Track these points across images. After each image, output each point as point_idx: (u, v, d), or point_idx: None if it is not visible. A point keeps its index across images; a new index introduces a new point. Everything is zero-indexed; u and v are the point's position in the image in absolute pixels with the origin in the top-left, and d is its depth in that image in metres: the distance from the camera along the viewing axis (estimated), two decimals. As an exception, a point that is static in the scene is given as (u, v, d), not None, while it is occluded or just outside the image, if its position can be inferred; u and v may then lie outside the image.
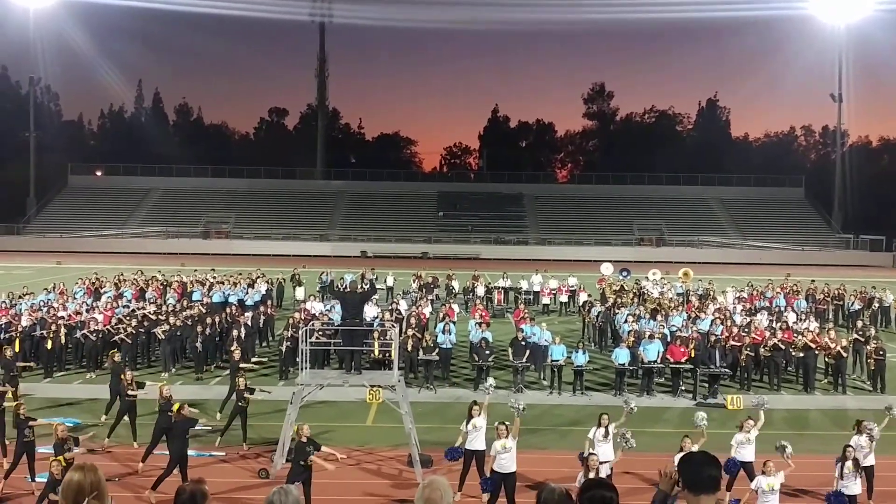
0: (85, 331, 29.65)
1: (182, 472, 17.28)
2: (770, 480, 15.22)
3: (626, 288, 43.89)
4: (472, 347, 29.49)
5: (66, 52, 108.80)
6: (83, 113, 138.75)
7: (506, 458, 16.32)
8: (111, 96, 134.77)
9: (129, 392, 21.18)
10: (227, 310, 33.88)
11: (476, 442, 17.52)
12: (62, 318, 30.82)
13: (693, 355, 27.38)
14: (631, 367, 27.59)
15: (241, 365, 24.20)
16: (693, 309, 36.09)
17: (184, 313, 32.43)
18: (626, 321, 32.04)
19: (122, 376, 21.68)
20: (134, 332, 29.86)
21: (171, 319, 30.61)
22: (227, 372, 28.67)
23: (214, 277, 44.56)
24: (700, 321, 32.83)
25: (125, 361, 26.42)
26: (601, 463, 15.88)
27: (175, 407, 18.13)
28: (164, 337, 29.72)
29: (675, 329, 30.97)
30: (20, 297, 36.11)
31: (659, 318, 32.58)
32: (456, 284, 46.66)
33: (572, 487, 5.73)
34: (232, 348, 25.24)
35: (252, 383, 28.08)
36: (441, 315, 33.02)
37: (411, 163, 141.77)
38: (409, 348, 28.10)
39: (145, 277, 44.39)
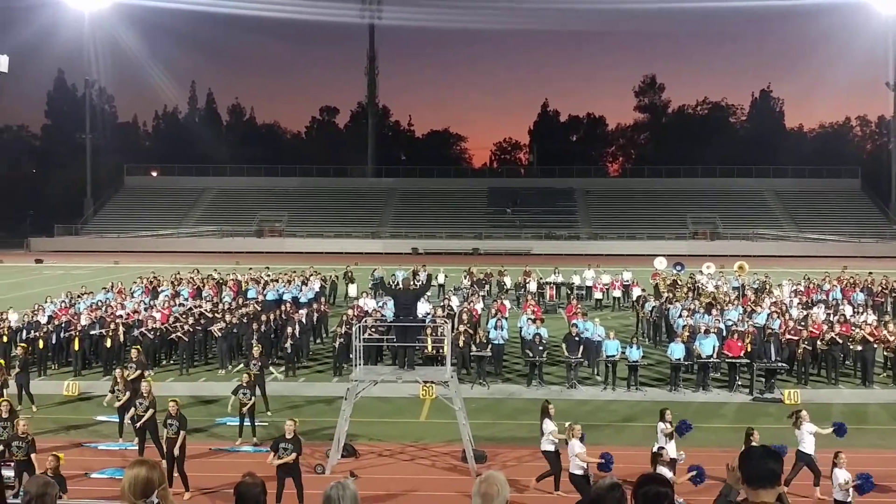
0: (143, 329, 30.09)
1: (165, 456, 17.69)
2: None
3: (681, 282, 43.50)
4: (525, 343, 29.46)
5: (121, 55, 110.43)
6: (138, 114, 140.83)
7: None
8: (165, 98, 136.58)
9: (118, 393, 21.27)
10: (282, 307, 34.17)
11: (547, 444, 17.52)
12: (120, 316, 31.29)
13: (749, 350, 27.05)
14: (686, 363, 27.29)
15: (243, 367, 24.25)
16: (749, 303, 35.66)
17: (239, 311, 32.78)
18: (680, 316, 31.74)
19: (117, 375, 21.77)
20: (191, 329, 30.25)
21: (227, 317, 30.95)
22: (283, 369, 29.06)
23: (269, 275, 44.91)
24: (756, 315, 32.43)
25: (147, 361, 26.57)
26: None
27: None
28: (220, 335, 30.06)
29: (730, 323, 30.65)
30: (79, 296, 36.73)
31: (714, 312, 32.25)
32: (507, 280, 46.58)
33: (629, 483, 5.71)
34: (253, 348, 25.20)
35: (307, 379, 28.52)
36: (493, 311, 33.04)
37: (461, 159, 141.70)
38: (462, 344, 28.13)
39: (201, 276, 44.86)
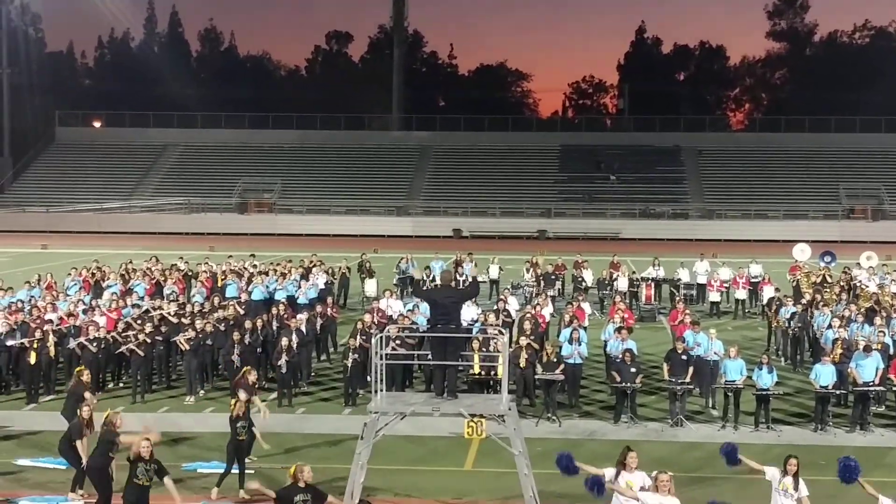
0: (82, 339, 30.07)
1: None
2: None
3: (831, 279, 43.15)
4: (612, 363, 29.32)
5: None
6: (74, 42, 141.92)
7: None
8: (112, 19, 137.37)
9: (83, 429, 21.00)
10: (273, 310, 34.23)
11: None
12: (50, 321, 31.37)
13: (928, 374, 26.84)
14: (838, 391, 27.07)
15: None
16: (927, 308, 35.35)
17: (215, 315, 32.80)
18: (830, 326, 31.45)
19: (79, 410, 21.27)
20: (148, 340, 30.24)
21: (198, 323, 30.94)
22: (273, 396, 29.12)
23: (255, 266, 45.06)
24: (938, 326, 32.15)
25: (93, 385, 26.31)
26: None
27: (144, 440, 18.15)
28: (188, 347, 30.09)
29: (901, 337, 30.37)
30: (-6, 293, 37.03)
31: (878, 321, 31.89)
32: (587, 275, 46.44)
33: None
34: (246, 368, 25.05)
35: (308, 410, 28.58)
36: (567, 318, 32.88)
37: (523, 105, 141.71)
38: (523, 364, 28.03)
39: (162, 267, 45.07)
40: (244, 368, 24.93)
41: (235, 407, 21.47)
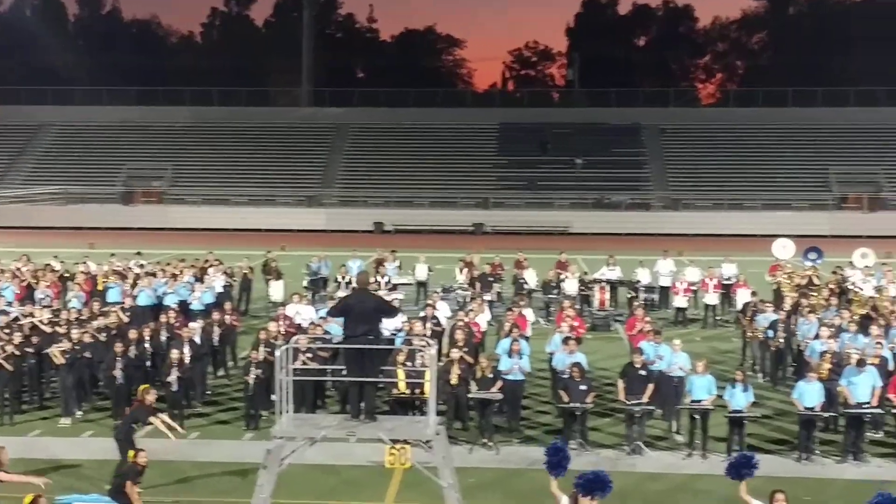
0: (-61, 352, 29.99)
1: None
2: None
3: (818, 281, 43.48)
4: (558, 379, 29.41)
5: None
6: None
7: None
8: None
9: None
10: (162, 317, 34.10)
11: None
12: None
13: (930, 393, 27.09)
14: (827, 414, 27.25)
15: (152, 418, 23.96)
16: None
17: (94, 323, 32.66)
18: (817, 336, 31.67)
19: None
20: (17, 352, 30.00)
21: (75, 333, 30.76)
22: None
23: (141, 266, 44.87)
24: (942, 336, 32.47)
25: None
26: None
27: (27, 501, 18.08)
28: (64, 361, 29.88)
29: (900, 350, 30.63)
30: None
31: (875, 330, 32.11)
32: (530, 276, 46.52)
33: None
34: (143, 387, 24.91)
35: (203, 434, 28.44)
36: (506, 326, 32.99)
37: (455, 77, 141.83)
38: (455, 380, 28.06)
39: (34, 267, 44.83)
40: (141, 387, 24.73)
41: (137, 458, 21.29)
